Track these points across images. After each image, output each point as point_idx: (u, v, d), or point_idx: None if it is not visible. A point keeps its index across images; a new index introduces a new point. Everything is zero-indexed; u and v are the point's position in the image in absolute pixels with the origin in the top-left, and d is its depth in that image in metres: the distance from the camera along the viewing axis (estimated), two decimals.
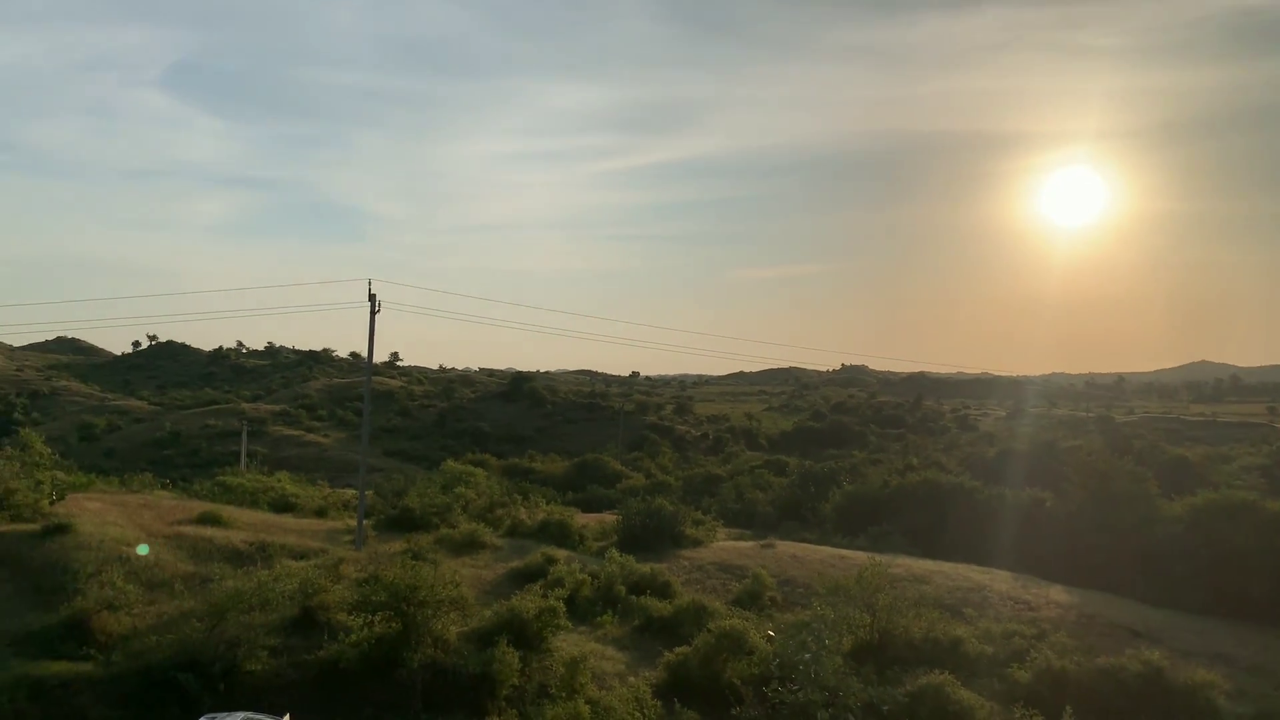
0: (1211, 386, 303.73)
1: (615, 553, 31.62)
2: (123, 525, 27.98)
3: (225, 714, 16.77)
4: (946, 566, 36.41)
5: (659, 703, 19.93)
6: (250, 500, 37.95)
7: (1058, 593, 33.80)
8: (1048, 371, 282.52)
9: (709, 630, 24.01)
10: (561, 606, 24.29)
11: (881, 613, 26.54)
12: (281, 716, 16.66)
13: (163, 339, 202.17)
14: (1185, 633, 30.40)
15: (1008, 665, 25.19)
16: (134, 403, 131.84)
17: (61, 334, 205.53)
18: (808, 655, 19.90)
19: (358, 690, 20.65)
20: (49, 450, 31.92)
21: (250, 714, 16.90)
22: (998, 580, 34.71)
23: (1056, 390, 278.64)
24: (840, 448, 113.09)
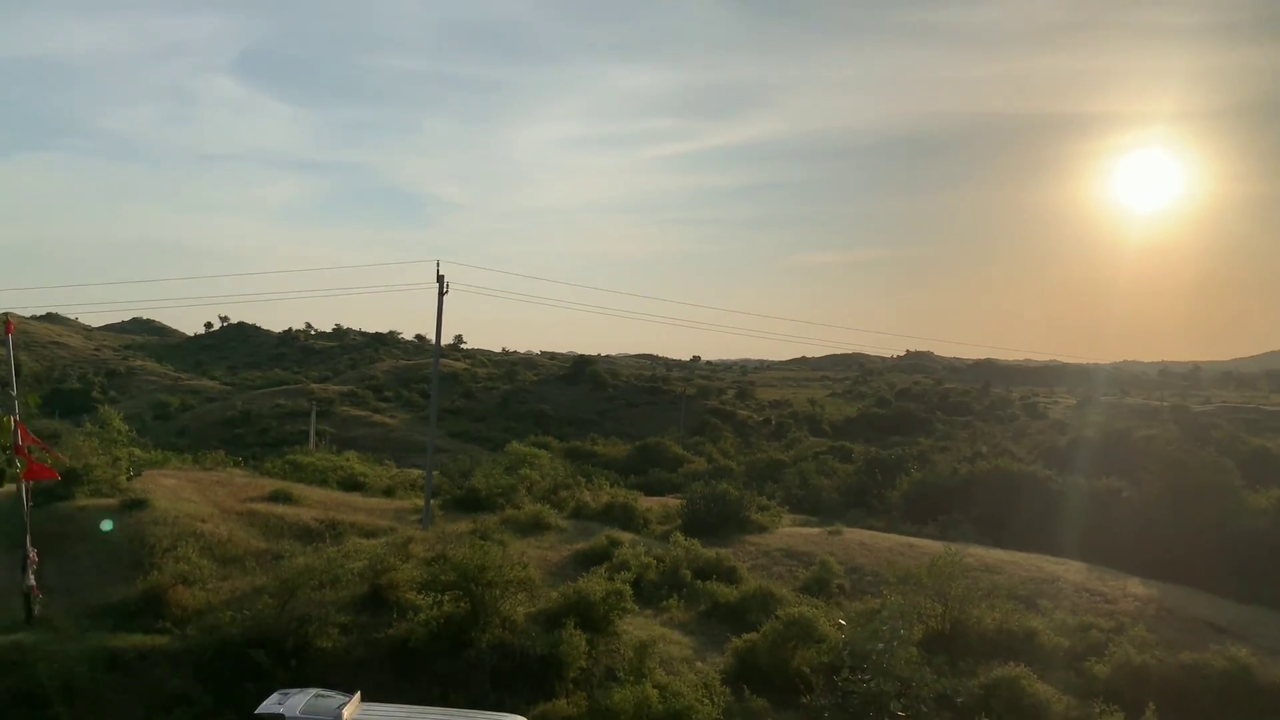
0: None
1: (680, 537, 31.39)
2: (197, 501, 28.45)
3: (297, 690, 16.89)
4: (1019, 556, 35.59)
5: (727, 689, 19.68)
6: (320, 479, 38.41)
7: (1135, 585, 32.85)
8: (1119, 359, 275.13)
9: (777, 617, 23.70)
10: (628, 590, 24.14)
11: (954, 602, 25.99)
12: (352, 694, 16.73)
13: (234, 320, 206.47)
14: (1272, 629, 29.33)
15: (1084, 659, 24.51)
16: (206, 382, 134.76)
17: (137, 315, 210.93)
18: (881, 645, 19.48)
19: (427, 669, 20.72)
20: (126, 428, 32.61)
21: (321, 690, 17.00)
22: (1071, 571, 33.84)
23: (1128, 378, 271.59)
24: (906, 435, 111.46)
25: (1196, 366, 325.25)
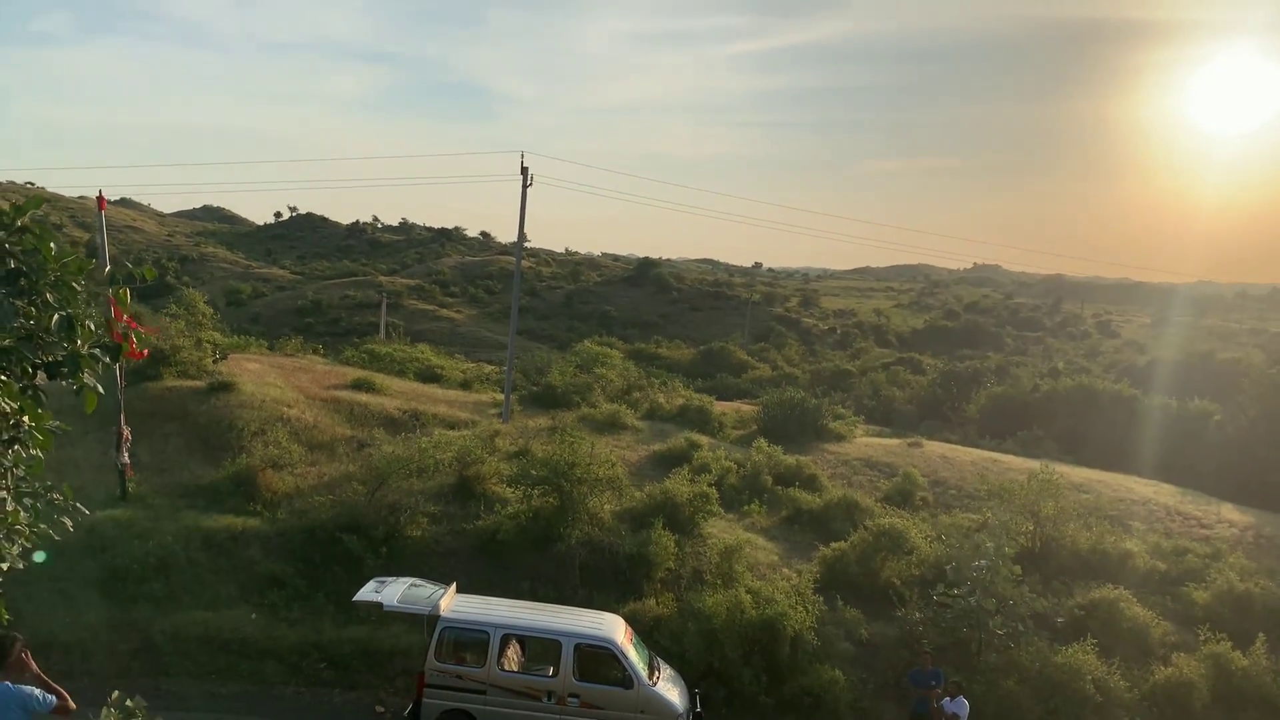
0: None
1: (763, 442, 30.86)
2: (282, 386, 28.49)
3: (393, 579, 16.80)
4: (1106, 476, 34.61)
5: (820, 598, 19.30)
6: (398, 370, 38.40)
7: (1229, 511, 31.77)
8: (1194, 280, 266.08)
9: (865, 527, 23.22)
10: (714, 493, 23.77)
11: (1046, 520, 25.28)
12: (448, 585, 16.59)
13: (302, 211, 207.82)
14: None
15: (1182, 584, 23.75)
16: (277, 271, 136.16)
17: (208, 202, 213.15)
18: (984, 561, 18.88)
19: (515, 561, 20.64)
20: (211, 310, 32.66)
21: (417, 579, 16.90)
22: (1163, 494, 32.83)
23: (1204, 299, 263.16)
24: (975, 349, 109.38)
25: (1276, 289, 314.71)
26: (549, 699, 15.35)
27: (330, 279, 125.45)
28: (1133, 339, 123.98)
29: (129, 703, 6.02)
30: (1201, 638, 20.38)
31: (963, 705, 15.80)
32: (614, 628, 16.15)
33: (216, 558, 19.84)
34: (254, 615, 18.49)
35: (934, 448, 36.94)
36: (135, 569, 18.96)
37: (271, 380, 28.97)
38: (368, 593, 16.09)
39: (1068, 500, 27.13)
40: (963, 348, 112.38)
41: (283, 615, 18.66)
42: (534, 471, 21.16)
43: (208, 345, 29.20)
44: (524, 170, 31.47)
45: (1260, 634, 20.16)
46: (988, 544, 19.25)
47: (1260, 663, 19.53)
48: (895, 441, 38.16)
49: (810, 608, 18.57)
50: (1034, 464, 34.61)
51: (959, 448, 38.17)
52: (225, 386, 26.33)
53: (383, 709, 16.93)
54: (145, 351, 5.89)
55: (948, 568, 19.59)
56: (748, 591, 18.62)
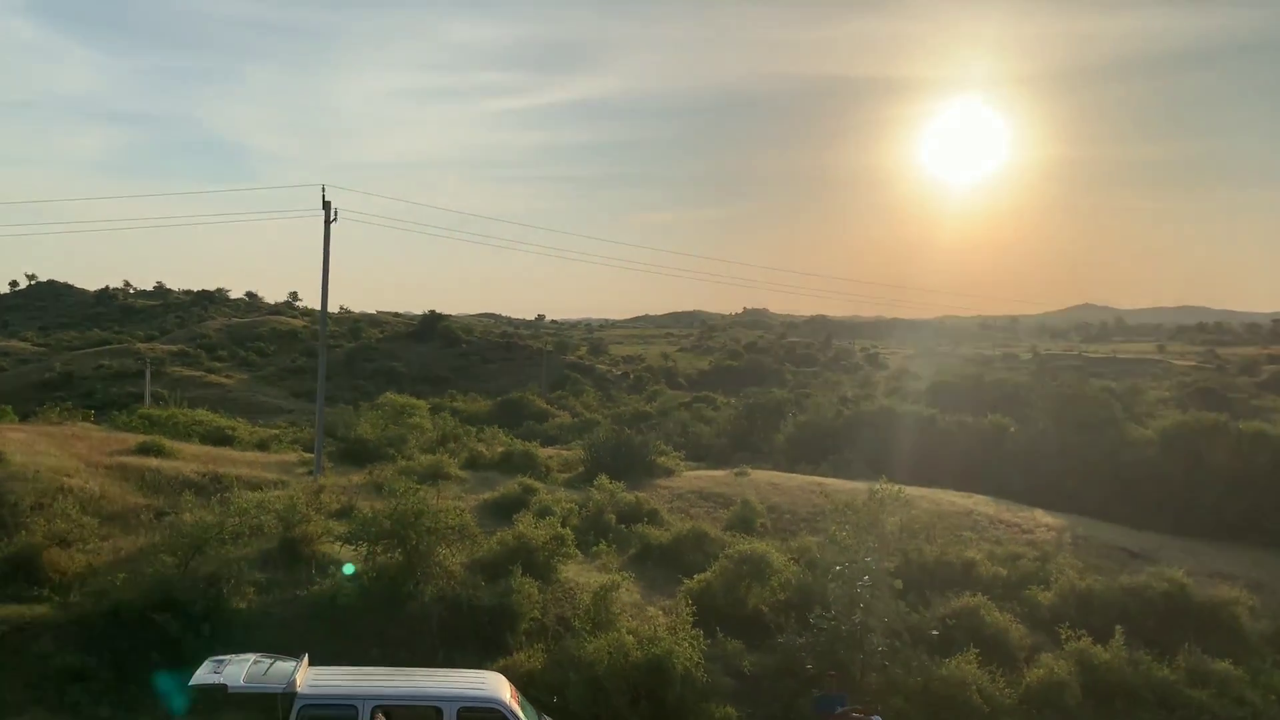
0: (1098, 328, 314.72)
1: (605, 479, 29.69)
2: (57, 455, 24.88)
3: (232, 656, 14.39)
4: (925, 491, 35.46)
5: (700, 632, 18.21)
6: (182, 434, 34.76)
7: (1042, 515, 33.23)
8: (940, 314, 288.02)
9: (726, 556, 22.41)
10: (570, 534, 22.38)
11: (891, 535, 25.33)
12: (300, 657, 14.37)
13: (43, 278, 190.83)
14: (1177, 553, 30.01)
15: (1023, 587, 24.24)
16: (16, 344, 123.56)
17: None
18: (867, 578, 18.38)
19: (360, 628, 18.41)
20: None
21: (264, 654, 14.56)
22: (980, 504, 33.97)
23: (952, 331, 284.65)
24: (759, 385, 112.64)
25: (1014, 320, 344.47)
26: None
27: (81, 349, 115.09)
28: (902, 369, 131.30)
29: None
30: (1063, 636, 20.66)
31: None
32: (498, 686, 14.42)
33: None
34: None
35: (760, 475, 36.90)
36: None
37: (44, 449, 25.27)
38: (206, 675, 13.66)
39: (909, 514, 27.45)
40: (748, 385, 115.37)
41: (89, 714, 15.76)
42: (380, 524, 19.06)
43: None
44: (326, 205, 29.25)
45: (1118, 627, 20.64)
46: (867, 560, 18.80)
47: (1120, 655, 19.96)
48: (721, 472, 37.92)
49: (695, 643, 17.46)
50: (856, 484, 35.21)
51: (782, 474, 38.31)
52: None
53: None
54: None
55: (831, 585, 19.00)
56: (629, 633, 17.31)
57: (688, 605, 19.15)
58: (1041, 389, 46.44)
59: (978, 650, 19.27)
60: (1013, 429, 43.05)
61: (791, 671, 18.59)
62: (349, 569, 12.86)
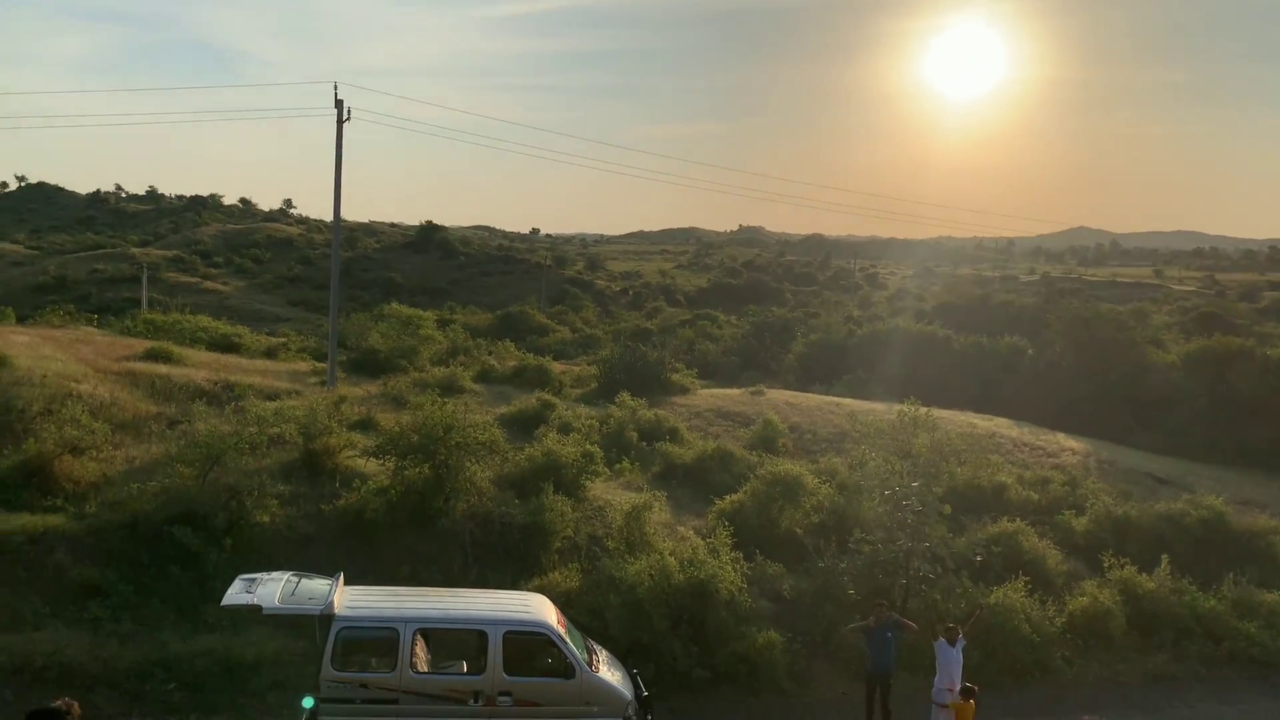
0: (1094, 251, 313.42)
1: (626, 396, 28.92)
2: (63, 360, 23.94)
3: (264, 575, 13.69)
4: (944, 413, 34.84)
5: (740, 555, 17.64)
6: (188, 340, 33.78)
7: (1066, 440, 32.67)
8: (936, 235, 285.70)
9: (758, 476, 21.77)
10: (599, 451, 21.70)
11: (921, 457, 24.75)
12: (335, 576, 13.69)
13: (32, 180, 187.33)
14: (1205, 480, 29.55)
15: (1054, 513, 23.73)
16: (8, 246, 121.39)
17: None
18: (913, 500, 17.75)
19: (389, 544, 17.78)
20: None
21: (296, 572, 13.88)
22: (1002, 427, 33.38)
23: (949, 252, 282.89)
24: (759, 304, 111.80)
25: (1010, 242, 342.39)
26: (476, 700, 12.84)
27: (74, 253, 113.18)
28: (902, 288, 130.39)
29: None
30: (1105, 564, 20.18)
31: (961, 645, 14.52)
32: (543, 610, 13.79)
33: (11, 567, 15.91)
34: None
35: (777, 395, 36.22)
36: None
37: (49, 353, 24.33)
38: (238, 595, 12.96)
39: (937, 436, 26.86)
40: (748, 303, 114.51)
41: (110, 630, 15.10)
42: (408, 438, 18.29)
43: None
44: (339, 103, 27.93)
45: (1164, 556, 20.17)
46: (913, 484, 18.16)
47: (1166, 584, 19.52)
48: (737, 391, 37.20)
49: (738, 567, 16.89)
50: (874, 405, 34.65)
51: (800, 394, 37.64)
52: None
53: None
54: None
55: (874, 508, 18.41)
56: (670, 555, 16.71)
57: (725, 527, 18.46)
58: (1057, 311, 45.37)
59: (1006, 577, 18.85)
60: (1030, 352, 42.36)
61: (831, 596, 18.08)
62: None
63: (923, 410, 26.64)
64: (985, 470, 25.38)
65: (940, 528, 17.98)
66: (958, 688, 14.09)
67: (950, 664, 14.15)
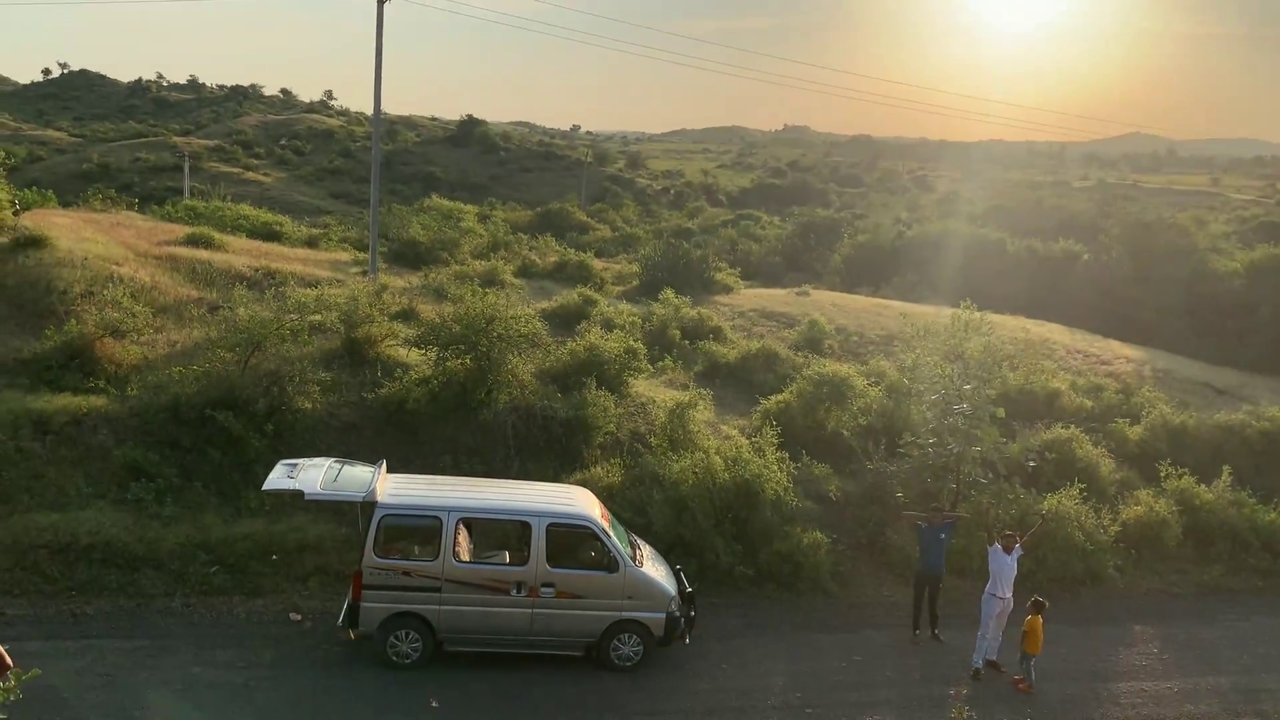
0: (1149, 158, 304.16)
1: (670, 293, 28.36)
2: (105, 242, 23.72)
3: (306, 460, 13.55)
4: (996, 318, 33.90)
5: (786, 455, 17.26)
6: (229, 227, 33.51)
7: (1120, 347, 31.81)
8: (986, 139, 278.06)
9: (804, 376, 21.28)
10: (643, 348, 21.29)
11: (973, 361, 24.08)
12: (378, 464, 13.50)
13: (75, 67, 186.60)
14: (1264, 390, 28.76)
15: (1107, 420, 23.10)
16: (52, 133, 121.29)
17: None
18: (964, 405, 17.21)
19: (431, 434, 17.59)
20: None
21: (337, 459, 13.71)
22: (1055, 333, 32.55)
23: (1000, 156, 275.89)
24: (804, 205, 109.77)
25: (1062, 147, 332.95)
26: (518, 591, 12.72)
27: (116, 141, 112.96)
28: (952, 191, 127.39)
29: None
30: (1162, 474, 19.65)
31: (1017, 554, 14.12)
32: (587, 503, 13.57)
33: (56, 447, 15.90)
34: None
35: (823, 296, 35.55)
36: None
37: (90, 236, 24.10)
38: (280, 479, 12.83)
39: (990, 340, 26.13)
40: (792, 204, 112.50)
41: (153, 512, 15.09)
42: (450, 329, 17.94)
43: (3, 195, 23.78)
44: None
45: (1225, 467, 19.58)
46: (965, 387, 17.59)
47: (1225, 495, 18.97)
48: (781, 291, 36.56)
49: (784, 467, 16.53)
50: (923, 308, 33.83)
51: (846, 295, 36.95)
52: (34, 242, 21.36)
53: (300, 616, 13.88)
54: None
55: (924, 411, 17.91)
56: (715, 453, 16.38)
57: (771, 427, 18.05)
58: (1116, 215, 43.88)
59: (1058, 484, 18.40)
60: (1086, 257, 41.11)
61: (878, 499, 17.74)
62: None
63: (977, 314, 25.81)
64: (1038, 376, 24.72)
65: (992, 432, 17.42)
66: (1009, 596, 13.77)
67: (1004, 571, 13.78)
